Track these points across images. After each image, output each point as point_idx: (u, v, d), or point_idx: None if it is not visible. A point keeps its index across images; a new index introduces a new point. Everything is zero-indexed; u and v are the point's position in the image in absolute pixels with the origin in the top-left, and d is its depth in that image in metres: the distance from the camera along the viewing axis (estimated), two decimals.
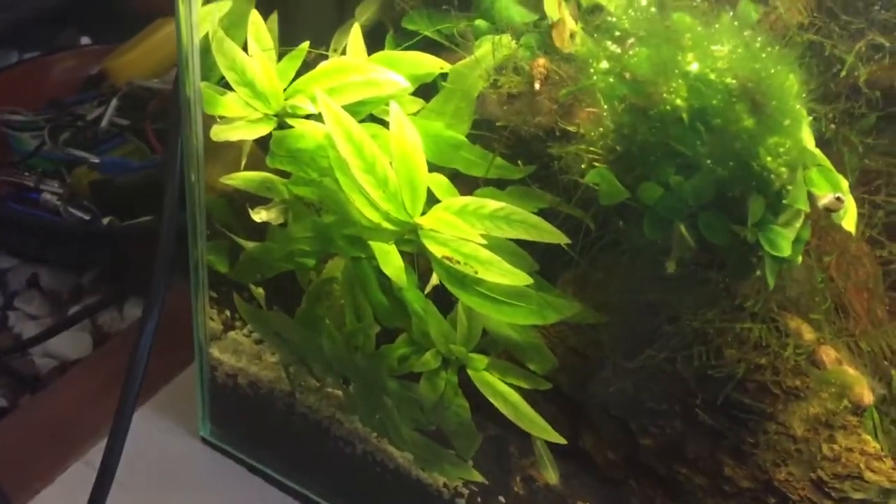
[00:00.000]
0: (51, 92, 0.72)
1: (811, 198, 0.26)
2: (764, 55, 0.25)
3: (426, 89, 0.32)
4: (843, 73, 0.28)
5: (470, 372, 0.35)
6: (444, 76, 0.32)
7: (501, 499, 0.38)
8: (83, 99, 0.70)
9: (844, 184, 0.27)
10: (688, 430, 0.32)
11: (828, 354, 0.29)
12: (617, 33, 0.26)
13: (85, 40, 0.82)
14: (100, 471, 0.36)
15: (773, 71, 0.24)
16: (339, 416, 0.41)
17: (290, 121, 0.33)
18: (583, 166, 0.28)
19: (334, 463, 0.41)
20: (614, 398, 0.33)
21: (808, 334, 0.29)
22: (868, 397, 0.28)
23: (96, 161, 0.62)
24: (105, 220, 0.60)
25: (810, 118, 0.27)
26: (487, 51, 0.31)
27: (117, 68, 0.70)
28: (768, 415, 0.30)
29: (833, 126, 0.28)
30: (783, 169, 0.25)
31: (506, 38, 0.30)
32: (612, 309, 0.31)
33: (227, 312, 0.42)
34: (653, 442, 0.33)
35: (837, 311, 0.31)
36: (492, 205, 0.31)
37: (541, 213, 0.31)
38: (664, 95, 0.25)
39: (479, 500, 0.39)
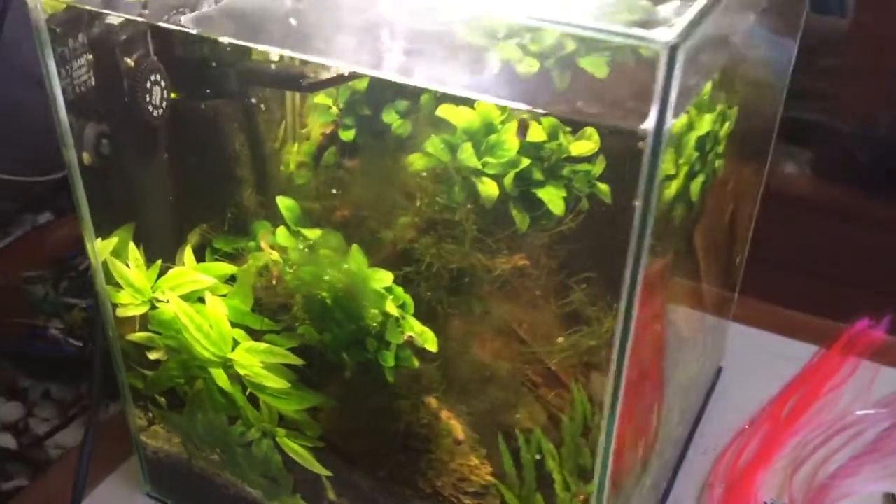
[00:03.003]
0: (57, 249, 0.98)
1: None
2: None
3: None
4: None
5: (277, 439, 0.59)
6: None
7: None
8: (77, 254, 0.96)
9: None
10: (396, 465, 0.55)
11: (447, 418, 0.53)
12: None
13: None
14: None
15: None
16: (222, 474, 0.65)
17: (157, 304, 0.58)
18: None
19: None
20: (356, 447, 0.57)
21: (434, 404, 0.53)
22: (459, 431, 0.52)
23: (84, 305, 0.88)
24: None
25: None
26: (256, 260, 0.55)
27: None
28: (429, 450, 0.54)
29: None
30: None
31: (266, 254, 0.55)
32: (340, 400, 0.55)
33: (149, 413, 0.66)
34: (382, 471, 0.56)
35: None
36: (263, 346, 0.55)
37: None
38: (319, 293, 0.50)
39: None
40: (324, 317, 0.51)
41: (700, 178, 0.51)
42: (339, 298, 0.50)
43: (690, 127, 0.48)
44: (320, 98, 0.52)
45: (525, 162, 0.46)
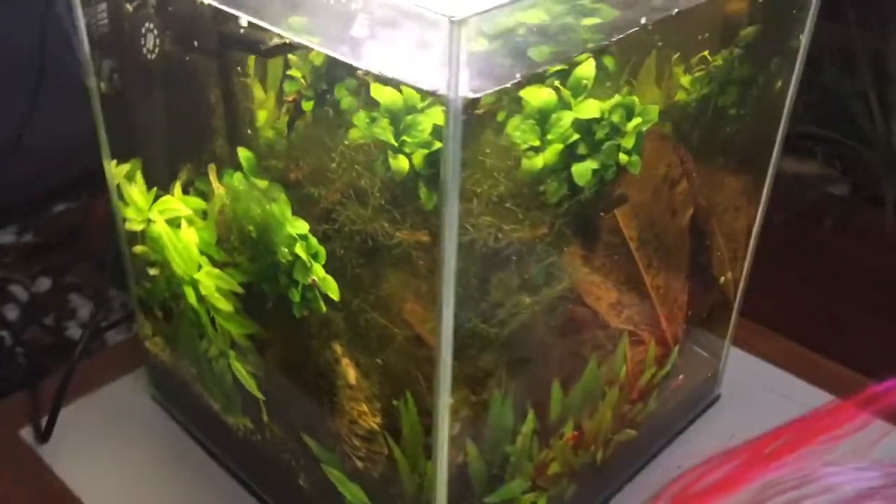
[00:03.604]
0: None
1: None
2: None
3: None
4: None
5: (230, 361, 0.66)
6: None
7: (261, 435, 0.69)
8: None
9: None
10: (313, 398, 0.61)
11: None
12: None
13: None
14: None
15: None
16: (196, 386, 0.73)
17: (151, 223, 0.67)
18: None
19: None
20: (284, 378, 0.63)
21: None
22: (352, 377, 0.57)
23: None
24: None
25: None
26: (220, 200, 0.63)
27: None
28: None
29: None
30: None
31: None
32: (270, 331, 0.62)
33: (153, 324, 0.76)
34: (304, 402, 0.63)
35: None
36: (217, 272, 0.63)
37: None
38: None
39: (256, 432, 0.70)
40: (251, 249, 0.58)
41: (590, 164, 0.53)
42: (261, 234, 0.56)
43: (565, 106, 0.51)
44: (293, 71, 0.59)
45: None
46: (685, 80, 0.62)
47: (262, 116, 0.60)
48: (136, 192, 0.67)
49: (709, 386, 0.81)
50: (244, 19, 0.54)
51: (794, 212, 1.18)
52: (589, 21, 0.50)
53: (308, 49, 0.56)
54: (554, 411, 0.62)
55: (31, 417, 0.75)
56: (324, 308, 0.57)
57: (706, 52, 0.63)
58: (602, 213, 0.60)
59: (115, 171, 0.68)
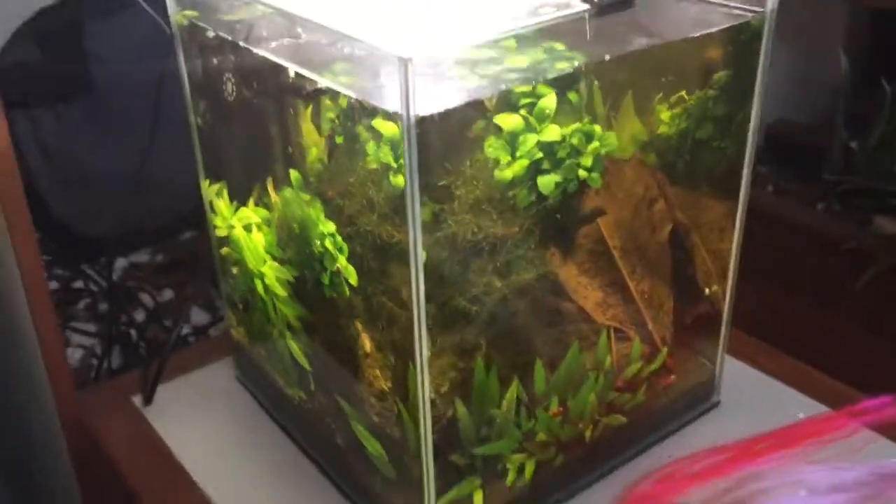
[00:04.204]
0: None
1: None
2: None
3: None
4: None
5: (287, 340, 0.83)
6: None
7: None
8: None
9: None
10: (347, 366, 0.77)
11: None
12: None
13: None
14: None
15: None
16: (266, 366, 0.90)
17: (231, 230, 0.85)
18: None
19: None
20: (325, 352, 0.79)
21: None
22: (368, 347, 0.72)
23: None
24: None
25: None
26: (278, 211, 0.80)
27: None
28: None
29: None
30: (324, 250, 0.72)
31: None
32: (314, 313, 0.78)
33: (237, 315, 0.94)
34: (341, 370, 0.78)
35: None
36: (275, 264, 0.80)
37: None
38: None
39: (307, 401, 0.85)
40: (296, 243, 0.75)
41: (553, 177, 0.67)
42: (302, 231, 0.73)
43: (530, 129, 0.65)
44: (329, 112, 0.76)
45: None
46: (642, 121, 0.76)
47: (307, 146, 0.77)
48: (223, 204, 0.86)
49: (706, 391, 0.91)
50: (291, 70, 0.71)
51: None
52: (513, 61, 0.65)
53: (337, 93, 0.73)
54: (539, 387, 0.75)
55: (140, 387, 0.94)
56: (347, 291, 0.72)
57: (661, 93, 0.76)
58: (577, 220, 0.73)
59: (209, 189, 0.87)
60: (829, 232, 1.36)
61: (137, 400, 0.94)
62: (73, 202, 1.33)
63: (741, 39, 0.77)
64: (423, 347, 0.65)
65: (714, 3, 0.78)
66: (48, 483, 0.97)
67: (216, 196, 0.87)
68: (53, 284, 1.22)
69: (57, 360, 0.90)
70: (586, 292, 0.78)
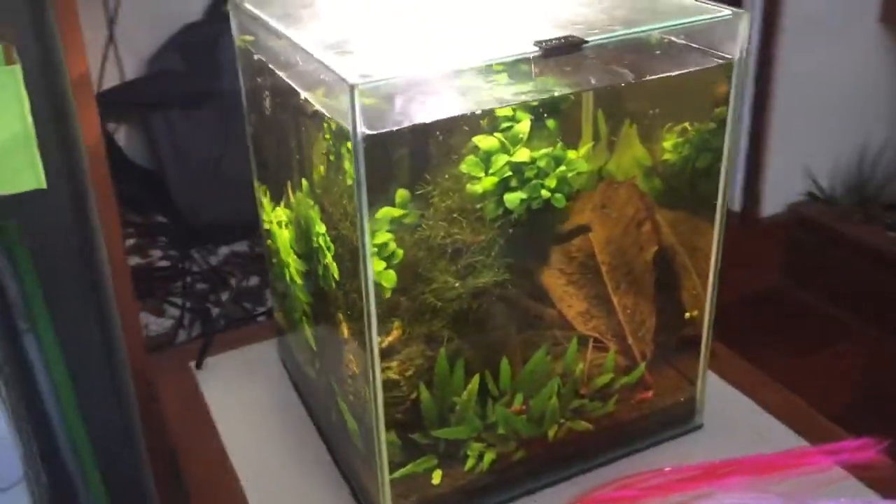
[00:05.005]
0: None
1: None
2: None
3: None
4: None
5: (305, 321, 0.96)
6: None
7: None
8: None
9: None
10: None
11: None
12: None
13: None
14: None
15: None
16: (294, 344, 1.03)
17: (270, 225, 1.00)
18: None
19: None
20: (324, 333, 0.92)
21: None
22: (345, 334, 0.84)
23: None
24: None
25: None
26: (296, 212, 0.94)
27: None
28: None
29: None
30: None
31: None
32: (319, 299, 0.91)
33: (279, 304, 1.08)
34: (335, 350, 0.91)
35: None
36: (294, 256, 0.93)
37: None
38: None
39: (316, 379, 0.98)
40: (304, 239, 0.88)
41: (519, 194, 0.77)
42: (307, 229, 0.86)
43: (504, 150, 0.75)
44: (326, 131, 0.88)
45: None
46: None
47: (314, 158, 0.89)
48: (266, 203, 1.00)
49: (687, 412, 0.96)
50: (302, 92, 0.84)
51: None
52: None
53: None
54: (503, 382, 0.84)
55: (196, 355, 1.10)
56: (333, 284, 0.84)
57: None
58: (547, 234, 0.82)
59: (258, 189, 1.02)
60: None
61: (192, 365, 1.10)
62: (192, 194, 1.53)
63: (709, 80, 0.84)
64: (372, 336, 0.76)
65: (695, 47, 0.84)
66: (120, 423, 1.15)
67: (263, 196, 1.01)
68: (164, 263, 1.42)
69: (132, 326, 1.08)
70: (571, 301, 0.86)
